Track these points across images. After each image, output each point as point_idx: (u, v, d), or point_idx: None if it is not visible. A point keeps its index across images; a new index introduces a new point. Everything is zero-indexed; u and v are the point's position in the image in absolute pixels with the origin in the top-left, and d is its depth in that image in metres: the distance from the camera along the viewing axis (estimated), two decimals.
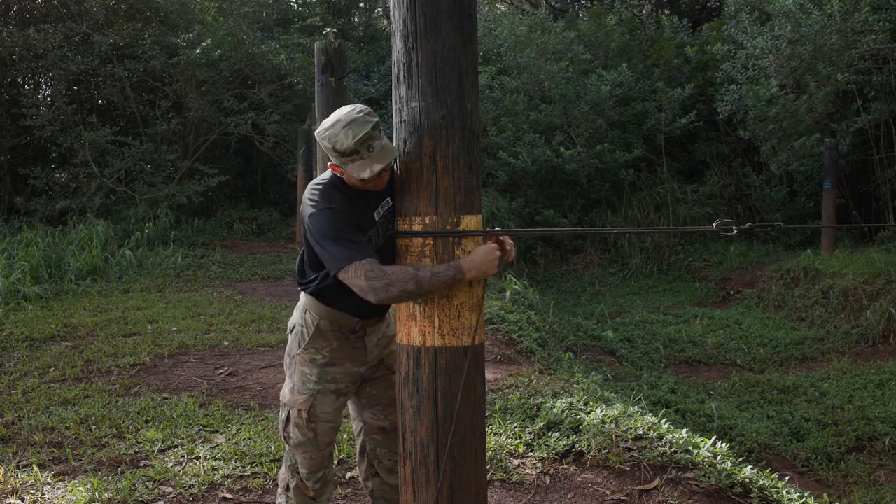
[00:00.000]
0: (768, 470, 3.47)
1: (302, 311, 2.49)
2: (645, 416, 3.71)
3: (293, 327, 2.52)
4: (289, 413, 2.48)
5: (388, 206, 2.32)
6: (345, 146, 2.14)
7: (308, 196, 2.29)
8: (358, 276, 2.11)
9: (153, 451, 3.61)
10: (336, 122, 2.18)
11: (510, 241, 2.27)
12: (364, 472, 2.71)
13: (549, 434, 3.63)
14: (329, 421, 2.47)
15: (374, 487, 2.69)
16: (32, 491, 3.20)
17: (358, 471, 2.79)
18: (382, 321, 2.55)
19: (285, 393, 2.52)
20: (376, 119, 2.18)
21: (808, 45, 9.11)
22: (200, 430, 3.91)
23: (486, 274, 2.07)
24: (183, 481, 3.27)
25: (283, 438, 2.54)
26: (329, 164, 2.29)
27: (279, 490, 2.66)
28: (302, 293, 2.49)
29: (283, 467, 2.63)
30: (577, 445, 3.47)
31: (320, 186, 2.29)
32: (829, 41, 8.91)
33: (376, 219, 2.30)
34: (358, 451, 2.72)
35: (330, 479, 2.61)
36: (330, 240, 2.17)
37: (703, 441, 3.49)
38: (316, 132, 2.26)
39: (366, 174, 2.15)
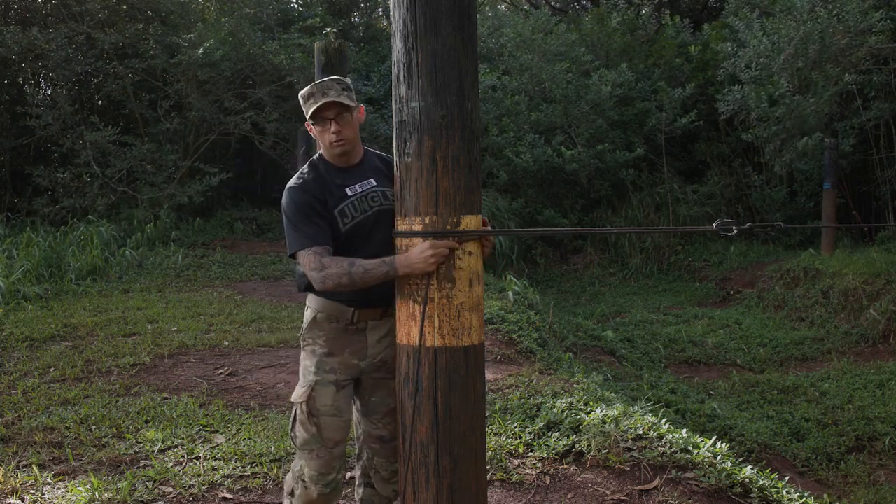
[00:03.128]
0: (768, 470, 3.47)
1: (305, 308, 2.55)
2: (645, 417, 3.71)
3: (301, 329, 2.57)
4: (295, 412, 2.46)
5: (368, 185, 2.44)
6: (305, 91, 2.42)
7: None
8: (303, 264, 2.33)
9: (153, 451, 3.61)
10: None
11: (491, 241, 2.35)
12: (358, 479, 2.68)
13: (549, 434, 3.62)
14: (331, 414, 2.41)
15: (364, 497, 2.64)
16: (32, 491, 3.20)
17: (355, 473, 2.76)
18: (387, 316, 2.45)
19: (294, 391, 2.51)
20: (347, 81, 2.44)
21: (815, 45, 9.09)
22: (200, 430, 3.91)
23: (420, 271, 2.15)
24: (183, 481, 3.27)
25: (290, 440, 2.51)
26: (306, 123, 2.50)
27: (284, 493, 2.59)
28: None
29: (289, 473, 2.58)
30: (577, 445, 3.47)
31: (304, 166, 2.50)
32: (840, 42, 8.88)
33: (349, 194, 2.41)
34: (356, 455, 2.69)
35: (339, 487, 2.50)
36: (289, 223, 2.38)
37: (703, 441, 3.49)
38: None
39: (311, 110, 2.38)
